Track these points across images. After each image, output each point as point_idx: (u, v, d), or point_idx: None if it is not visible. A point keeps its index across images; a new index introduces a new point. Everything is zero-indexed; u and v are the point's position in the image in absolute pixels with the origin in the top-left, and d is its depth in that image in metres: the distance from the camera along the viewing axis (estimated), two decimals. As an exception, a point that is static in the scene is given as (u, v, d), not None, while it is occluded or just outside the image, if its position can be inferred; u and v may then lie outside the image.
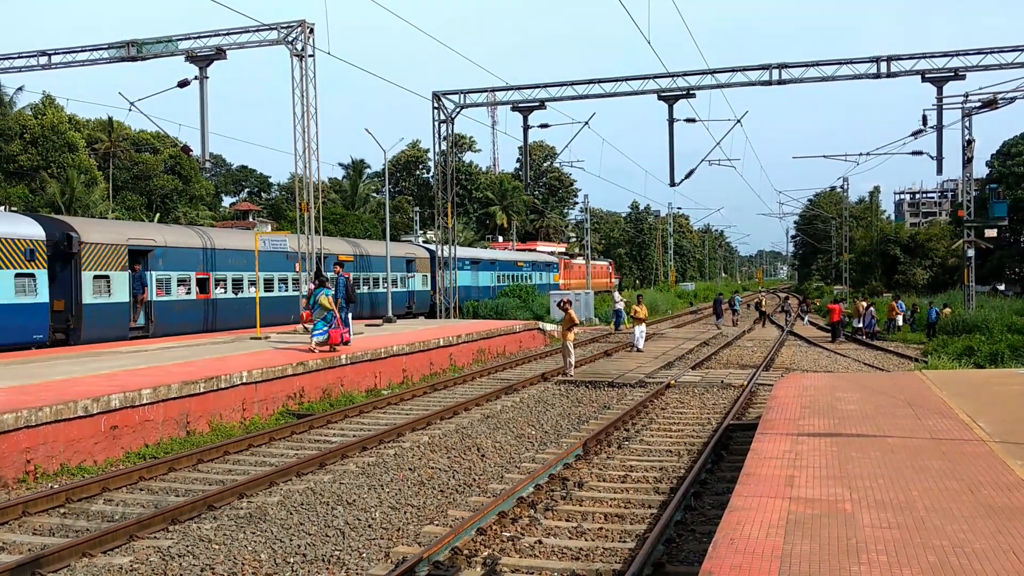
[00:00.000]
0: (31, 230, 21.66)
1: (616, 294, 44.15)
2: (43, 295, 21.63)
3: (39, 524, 9.72)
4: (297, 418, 16.26)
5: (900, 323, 39.24)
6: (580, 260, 70.07)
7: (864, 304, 39.72)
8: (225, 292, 28.12)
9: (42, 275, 21.62)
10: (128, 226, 26.91)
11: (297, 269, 20.84)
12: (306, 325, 20.41)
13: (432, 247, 42.63)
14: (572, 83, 33.23)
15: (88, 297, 22.77)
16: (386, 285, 35.53)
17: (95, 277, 23.04)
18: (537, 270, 58.69)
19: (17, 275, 20.85)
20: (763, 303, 54.48)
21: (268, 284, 30.08)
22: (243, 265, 27.83)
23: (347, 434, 14.96)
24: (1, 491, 11.07)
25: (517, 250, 67.38)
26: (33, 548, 8.76)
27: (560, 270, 62.74)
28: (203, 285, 26.98)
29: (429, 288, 41.18)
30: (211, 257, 27.42)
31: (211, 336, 25.11)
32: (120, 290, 23.89)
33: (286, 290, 30.86)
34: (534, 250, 70.52)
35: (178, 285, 26.17)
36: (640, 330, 28.66)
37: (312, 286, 21.22)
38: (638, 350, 28.15)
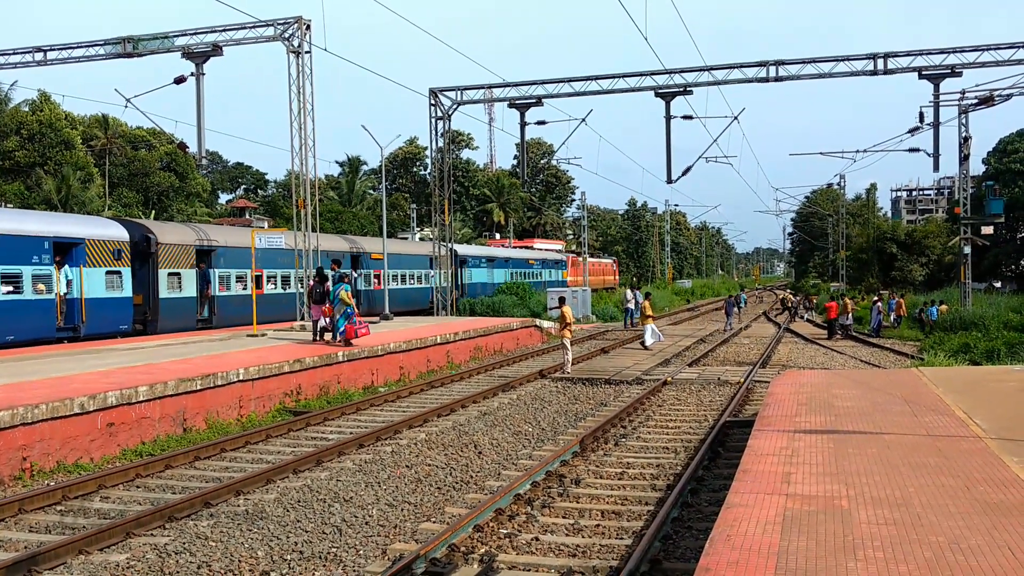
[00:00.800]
0: (118, 232, 24.43)
1: (628, 291, 44.05)
2: (127, 290, 24.48)
3: (35, 521, 9.71)
4: (294, 415, 16.25)
5: (886, 322, 39.33)
6: (590, 258, 72.95)
7: (851, 303, 39.77)
8: (275, 288, 30.88)
9: (126, 272, 24.44)
10: (195, 228, 29.51)
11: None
12: (325, 319, 21.63)
13: (455, 246, 45.02)
14: (569, 80, 33.19)
15: (164, 292, 25.55)
16: (394, 282, 37.88)
17: (169, 274, 25.80)
18: (547, 267, 61.55)
19: (107, 272, 23.70)
20: (789, 299, 55.20)
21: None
22: (288, 263, 29.62)
23: (344, 431, 14.96)
24: (-3, 488, 11.06)
25: (521, 247, 68.28)
26: (30, 545, 8.76)
27: (568, 267, 65.71)
28: (258, 281, 28.91)
29: (455, 284, 43.29)
30: (262, 256, 29.33)
31: (210, 333, 25.41)
32: (189, 286, 26.59)
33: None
34: (532, 247, 71.04)
35: (236, 281, 28.91)
36: (650, 328, 28.90)
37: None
38: (645, 347, 28.25)
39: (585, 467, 11.98)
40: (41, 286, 21.82)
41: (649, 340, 28.56)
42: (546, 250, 70.74)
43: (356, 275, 31.00)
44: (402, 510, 10.00)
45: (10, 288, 21.06)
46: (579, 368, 23.10)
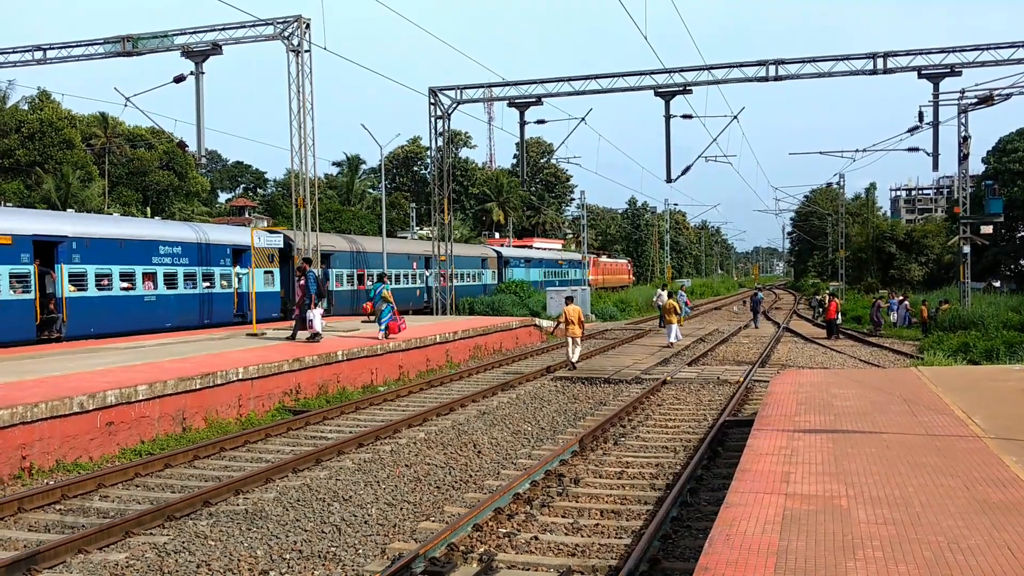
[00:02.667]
0: (277, 240, 28.52)
1: (660, 291, 43.94)
2: (277, 286, 31.09)
3: (35, 520, 9.71)
4: (293, 414, 16.24)
5: (893, 320, 39.33)
6: (605, 258, 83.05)
7: (839, 302, 39.69)
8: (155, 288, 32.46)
9: (276, 272, 30.87)
10: (321, 236, 32.84)
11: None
12: (368, 314, 23.78)
13: (500, 248, 56.58)
14: (569, 79, 33.19)
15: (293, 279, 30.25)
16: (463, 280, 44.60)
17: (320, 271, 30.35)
18: (573, 267, 68.76)
19: (265, 271, 30.07)
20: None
21: (398, 278, 39.41)
22: (377, 264, 36.12)
23: (343, 430, 14.96)
24: (-4, 487, 11.06)
25: (521, 247, 70.09)
26: (29, 544, 8.75)
27: (590, 267, 72.01)
28: (360, 279, 34.93)
29: (497, 282, 51.29)
30: (360, 258, 36.74)
31: (208, 332, 25.58)
32: (278, 279, 31.78)
33: (410, 283, 41.70)
34: (532, 247, 71.71)
35: (347, 279, 34.77)
36: (675, 327, 29.77)
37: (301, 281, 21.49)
38: (671, 344, 29.24)
39: (584, 466, 11.98)
40: (225, 282, 28.82)
41: (672, 338, 29.53)
42: (548, 249, 73.75)
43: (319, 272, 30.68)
44: (401, 509, 10.00)
45: (207, 284, 27.97)
46: (578, 367, 23.10)
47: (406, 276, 40.90)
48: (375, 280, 24.51)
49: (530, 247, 70.74)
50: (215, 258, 28.22)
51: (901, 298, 40.56)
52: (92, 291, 23.68)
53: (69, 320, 22.84)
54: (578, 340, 22.71)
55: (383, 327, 22.50)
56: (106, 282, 24.15)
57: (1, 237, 20.79)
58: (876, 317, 38.79)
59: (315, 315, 21.43)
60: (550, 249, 73.64)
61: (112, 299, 24.37)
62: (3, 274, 20.84)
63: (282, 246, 29.21)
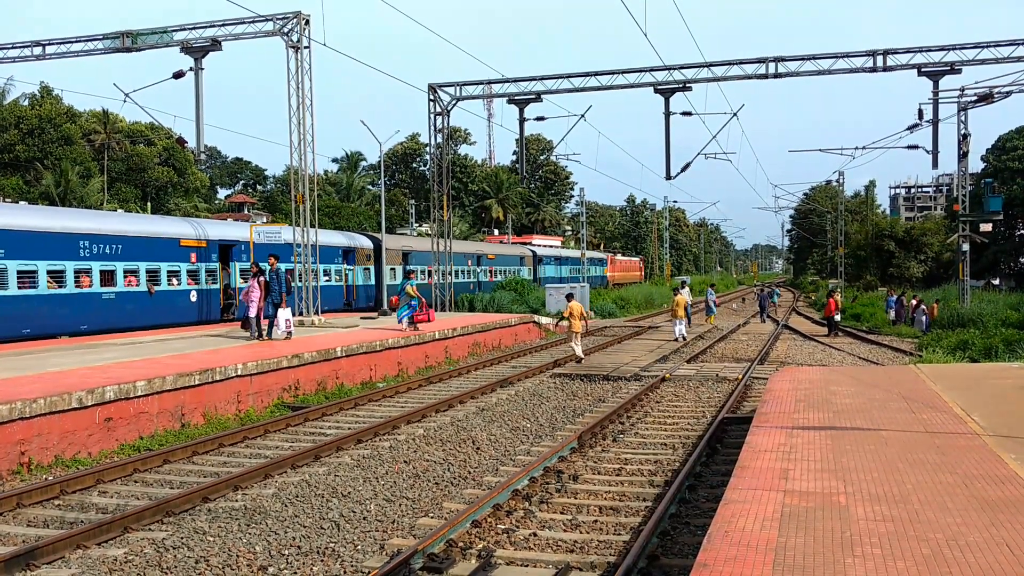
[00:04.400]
0: (369, 243, 37.76)
1: (683, 291, 43.86)
2: (373, 280, 37.72)
3: (34, 516, 9.71)
4: (292, 410, 16.24)
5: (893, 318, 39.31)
6: (620, 256, 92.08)
7: (838, 299, 39.70)
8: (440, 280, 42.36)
9: (372, 268, 37.55)
10: (402, 238, 42.47)
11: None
12: (393, 308, 26.04)
13: (534, 248, 62.36)
14: (568, 76, 33.15)
15: (387, 281, 37.54)
16: (465, 276, 47.06)
17: (390, 269, 38.18)
18: (594, 264, 75.48)
19: (364, 269, 36.92)
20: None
21: (458, 273, 44.66)
22: (443, 262, 42.36)
23: (342, 427, 14.96)
24: (-5, 483, 11.06)
25: (520, 243, 70.71)
26: (28, 540, 8.75)
27: (608, 264, 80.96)
28: (429, 274, 40.10)
29: (532, 278, 56.63)
30: (426, 256, 41.90)
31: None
32: (398, 277, 37.40)
33: (465, 278, 46.99)
34: (531, 243, 72.02)
35: (421, 274, 39.12)
36: (683, 323, 31.10)
37: (255, 281, 21.10)
38: (682, 339, 30.43)
39: (583, 463, 11.98)
40: (337, 277, 34.90)
41: (679, 331, 30.66)
42: (548, 245, 75.12)
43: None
44: (400, 505, 10.00)
45: (326, 278, 33.13)
46: (577, 364, 23.11)
47: (462, 272, 46.89)
48: (404, 276, 26.80)
49: (537, 245, 71.54)
50: (332, 257, 34.50)
51: (916, 299, 40.18)
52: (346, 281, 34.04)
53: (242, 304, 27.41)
54: (579, 335, 22.95)
55: (400, 319, 23.99)
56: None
57: (198, 242, 26.83)
58: (899, 312, 38.75)
59: (287, 314, 21.27)
60: (550, 246, 74.00)
61: (358, 286, 35.47)
62: (201, 270, 27.49)
63: (372, 246, 37.58)
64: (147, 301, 25.50)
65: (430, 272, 39.94)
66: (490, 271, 50.68)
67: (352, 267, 35.77)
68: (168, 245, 26.52)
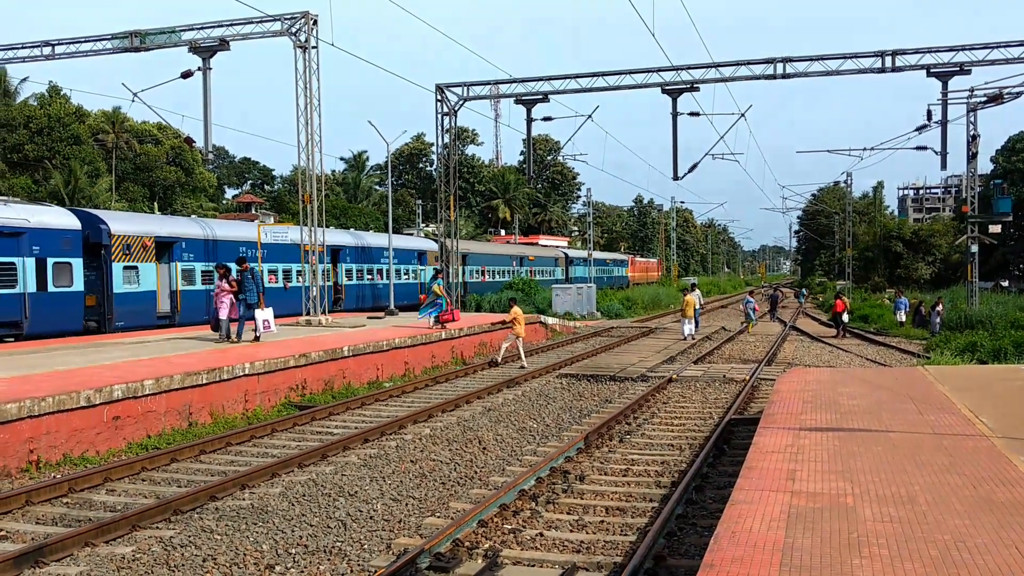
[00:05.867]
0: (436, 246, 41.80)
1: (693, 292, 42.92)
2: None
3: (42, 514, 9.74)
4: (299, 410, 16.27)
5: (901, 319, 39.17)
6: (640, 258, 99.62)
7: (846, 300, 39.47)
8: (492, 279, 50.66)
9: (431, 269, 38.81)
10: (462, 242, 45.22)
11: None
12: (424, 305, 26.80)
13: (567, 251, 71.19)
14: (576, 76, 33.12)
15: (451, 279, 39.40)
16: (490, 276, 51.18)
17: (453, 269, 39.48)
18: (618, 265, 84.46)
19: (435, 269, 35.66)
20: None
21: (501, 272, 52.83)
22: (495, 263, 52.06)
23: (349, 426, 14.98)
24: (4, 481, 11.10)
25: (526, 244, 72.03)
26: (36, 537, 8.79)
27: (630, 265, 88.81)
28: (483, 273, 48.23)
29: (564, 277, 63.60)
30: (483, 258, 51.17)
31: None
32: (461, 274, 42.36)
33: (506, 277, 52.67)
34: (537, 244, 72.30)
35: (476, 273, 48.16)
36: (692, 322, 32.40)
37: (224, 283, 20.27)
38: (692, 338, 31.58)
39: (590, 464, 11.98)
40: (413, 275, 41.70)
41: (687, 330, 31.87)
42: (554, 246, 75.63)
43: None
44: (406, 505, 10.01)
45: (405, 277, 40.76)
46: (583, 365, 23.11)
47: (507, 271, 53.69)
48: (432, 276, 27.93)
49: (537, 244, 71.75)
50: (410, 259, 41.74)
51: (939, 299, 39.84)
52: (355, 280, 36.84)
53: (346, 298, 35.67)
54: (513, 340, 23.53)
55: (424, 315, 25.37)
56: (360, 274, 37.29)
57: (319, 247, 27.17)
58: (919, 319, 38.59)
59: (267, 314, 20.82)
60: (552, 247, 74.19)
61: (364, 285, 37.83)
62: (319, 269, 28.25)
63: (436, 248, 42.11)
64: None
65: (483, 271, 49.27)
66: (531, 271, 57.74)
67: (424, 267, 42.45)
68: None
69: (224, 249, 28.35)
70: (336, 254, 35.16)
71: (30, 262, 21.68)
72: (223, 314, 20.45)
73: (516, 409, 16.40)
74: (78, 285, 23.11)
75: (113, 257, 24.24)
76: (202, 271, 27.61)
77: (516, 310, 23.89)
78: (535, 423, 15.20)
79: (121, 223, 25.50)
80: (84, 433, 12.50)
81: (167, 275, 26.43)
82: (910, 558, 5.73)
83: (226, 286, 20.32)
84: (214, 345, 19.81)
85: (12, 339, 21.18)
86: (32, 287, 21.73)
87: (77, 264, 23.13)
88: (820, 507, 7.00)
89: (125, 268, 24.65)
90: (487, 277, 49.97)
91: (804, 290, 79.96)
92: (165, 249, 26.44)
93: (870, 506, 7.00)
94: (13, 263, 21.39)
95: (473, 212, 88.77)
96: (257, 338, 20.79)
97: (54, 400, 12.01)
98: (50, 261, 22.27)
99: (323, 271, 28.58)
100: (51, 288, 22.27)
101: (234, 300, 20.49)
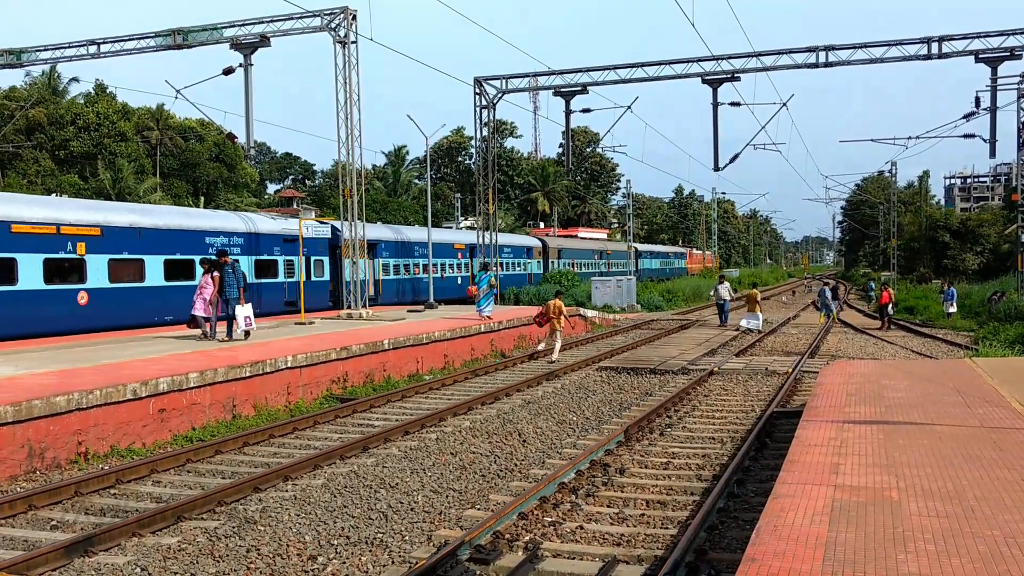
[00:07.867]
0: (539, 243, 52.83)
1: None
2: (541, 270, 51.45)
3: (91, 504, 9.95)
4: (341, 402, 16.42)
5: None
6: (695, 251, 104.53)
7: (891, 291, 38.69)
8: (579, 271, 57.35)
9: (541, 261, 52.04)
10: (559, 239, 55.02)
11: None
12: (473, 297, 28.55)
13: (636, 244, 73.85)
14: (615, 67, 32.91)
15: (549, 270, 50.95)
16: (516, 268, 52.26)
17: (551, 262, 52.85)
18: (678, 258, 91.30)
19: (537, 262, 51.32)
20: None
21: (586, 265, 60.53)
22: (584, 256, 61.62)
23: (390, 418, 15.08)
24: (55, 472, 11.36)
25: (565, 236, 72.32)
26: (86, 527, 8.98)
27: (687, 258, 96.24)
28: (574, 266, 55.51)
29: (633, 270, 66.21)
30: (574, 252, 59.00)
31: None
32: (542, 267, 51.90)
33: (590, 270, 59.72)
34: (576, 236, 72.14)
35: (569, 264, 55.51)
36: (751, 316, 32.52)
37: (208, 277, 19.48)
38: (748, 330, 31.69)
39: (630, 457, 11.93)
40: (524, 268, 48.89)
41: (751, 324, 31.98)
42: (593, 238, 76.16)
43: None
44: (447, 497, 10.06)
45: (519, 269, 47.92)
46: (623, 358, 23.01)
47: (589, 264, 60.53)
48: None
49: (576, 236, 71.61)
50: (523, 254, 48.79)
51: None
52: (391, 275, 36.39)
53: (384, 293, 35.55)
54: (558, 335, 23.52)
55: (480, 309, 26.34)
56: (399, 269, 36.94)
57: (361, 241, 27.76)
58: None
59: (247, 311, 19.71)
60: (594, 239, 74.03)
61: (404, 280, 37.50)
62: (325, 262, 31.09)
63: (541, 245, 52.30)
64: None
65: (573, 264, 56.25)
66: (608, 264, 64.80)
67: (531, 260, 50.38)
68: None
69: (408, 249, 37.28)
70: (373, 248, 35.27)
71: (302, 260, 28.25)
72: (198, 310, 19.51)
73: (556, 402, 16.39)
74: (327, 276, 31.17)
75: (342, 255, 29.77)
76: (393, 266, 36.49)
77: (558, 303, 23.74)
78: (575, 416, 15.18)
79: (345, 231, 28.84)
80: (131, 425, 12.74)
81: (369, 268, 32.96)
82: (957, 554, 5.62)
83: (209, 281, 19.38)
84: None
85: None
86: (305, 278, 28.91)
87: (326, 261, 30.97)
88: (864, 501, 6.90)
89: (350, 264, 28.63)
90: (576, 270, 55.99)
91: (872, 283, 61.87)
92: (371, 248, 33.22)
93: (916, 500, 6.89)
94: (292, 260, 28.92)
95: (512, 205, 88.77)
96: (247, 333, 19.68)
97: (102, 393, 12.24)
98: (313, 259, 29.96)
99: (364, 265, 28.96)
100: (313, 278, 30.08)
101: (216, 296, 19.47)
